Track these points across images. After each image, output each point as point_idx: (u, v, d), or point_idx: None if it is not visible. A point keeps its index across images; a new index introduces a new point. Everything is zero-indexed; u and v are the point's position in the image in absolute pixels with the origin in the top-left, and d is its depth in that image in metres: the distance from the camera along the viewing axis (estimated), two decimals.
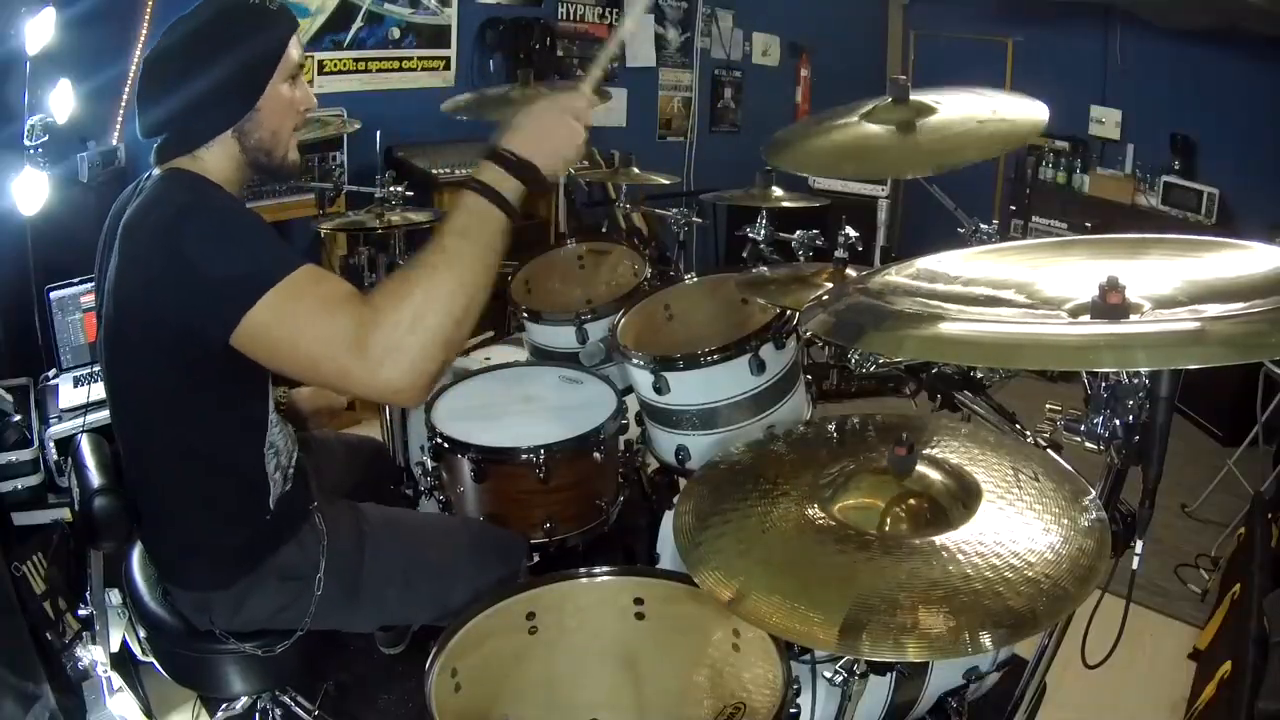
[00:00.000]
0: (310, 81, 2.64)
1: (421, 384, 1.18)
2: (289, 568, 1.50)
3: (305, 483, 1.59)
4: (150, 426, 1.41)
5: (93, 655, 1.85)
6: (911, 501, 1.22)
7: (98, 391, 2.34)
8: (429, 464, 2.10)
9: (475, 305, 1.21)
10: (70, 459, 1.64)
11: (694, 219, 2.85)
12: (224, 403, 1.37)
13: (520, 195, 1.25)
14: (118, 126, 3.09)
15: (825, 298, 1.15)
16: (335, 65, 3.81)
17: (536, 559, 1.91)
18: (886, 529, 1.19)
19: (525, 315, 2.40)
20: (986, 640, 0.95)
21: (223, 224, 1.27)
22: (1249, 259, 0.99)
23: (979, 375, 1.78)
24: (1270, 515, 2.67)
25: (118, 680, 1.92)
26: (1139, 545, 1.12)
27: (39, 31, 2.39)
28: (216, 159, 1.38)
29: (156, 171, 1.38)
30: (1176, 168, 4.51)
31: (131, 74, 3.05)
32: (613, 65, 4.86)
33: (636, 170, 3.14)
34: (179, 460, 1.41)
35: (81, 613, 1.92)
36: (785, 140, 1.76)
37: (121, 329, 1.33)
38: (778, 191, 2.56)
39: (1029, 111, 1.56)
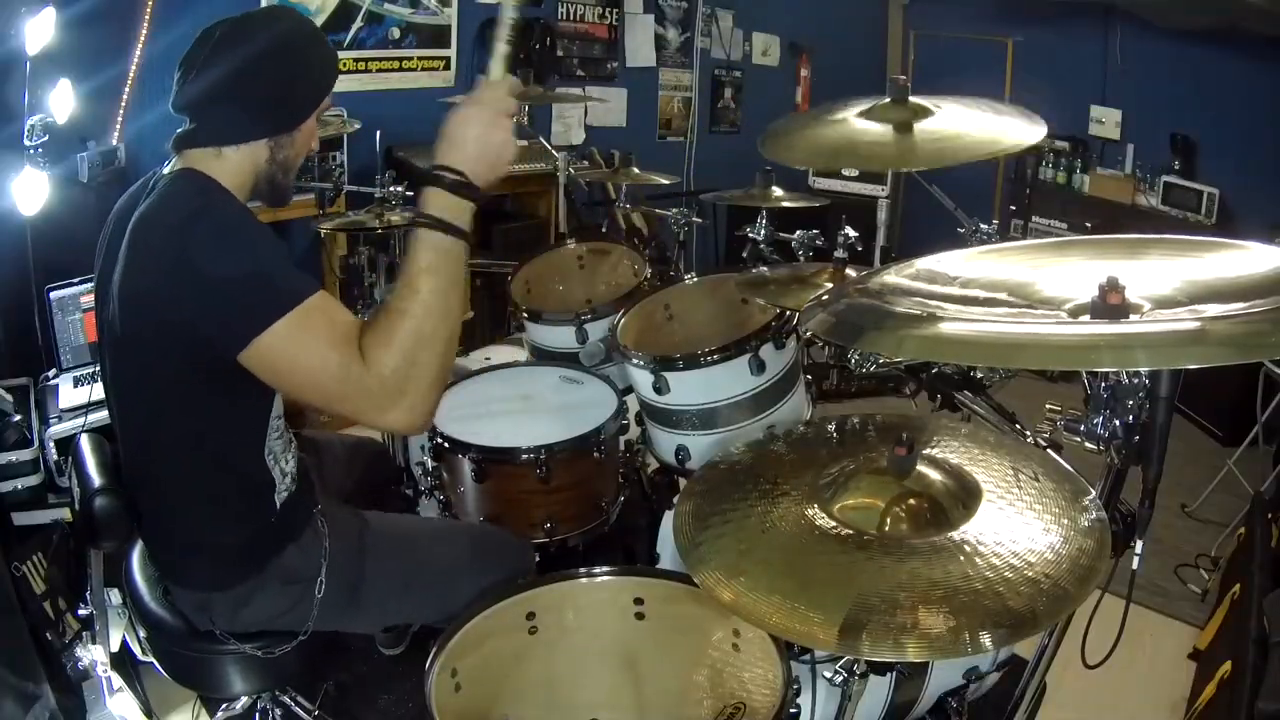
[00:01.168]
0: None
1: (425, 417, 1.26)
2: (291, 571, 1.50)
3: (309, 486, 1.59)
4: (154, 424, 1.40)
5: (93, 655, 1.85)
6: (911, 501, 1.22)
7: (98, 391, 2.33)
8: (429, 464, 2.10)
9: (456, 332, 1.27)
10: (70, 459, 1.64)
11: (694, 219, 2.85)
12: (229, 402, 1.37)
13: (471, 213, 1.27)
14: (118, 126, 3.09)
15: (825, 298, 1.15)
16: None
17: (537, 559, 1.91)
18: (886, 529, 1.19)
19: (525, 315, 2.40)
20: (986, 640, 0.95)
21: (236, 234, 1.26)
22: (1249, 259, 0.98)
23: (979, 375, 1.78)
24: (1270, 515, 2.67)
25: (118, 680, 1.92)
26: (1139, 545, 1.12)
27: (39, 31, 2.39)
28: (239, 162, 1.37)
29: (167, 170, 1.37)
30: (1176, 168, 4.51)
31: (131, 74, 3.05)
32: (612, 66, 4.86)
33: (636, 170, 3.14)
34: (183, 458, 1.41)
35: (81, 613, 1.92)
36: (781, 131, 1.77)
37: (126, 328, 1.32)
38: (778, 191, 2.56)
39: (1025, 130, 1.56)
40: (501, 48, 1.32)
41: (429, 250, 1.24)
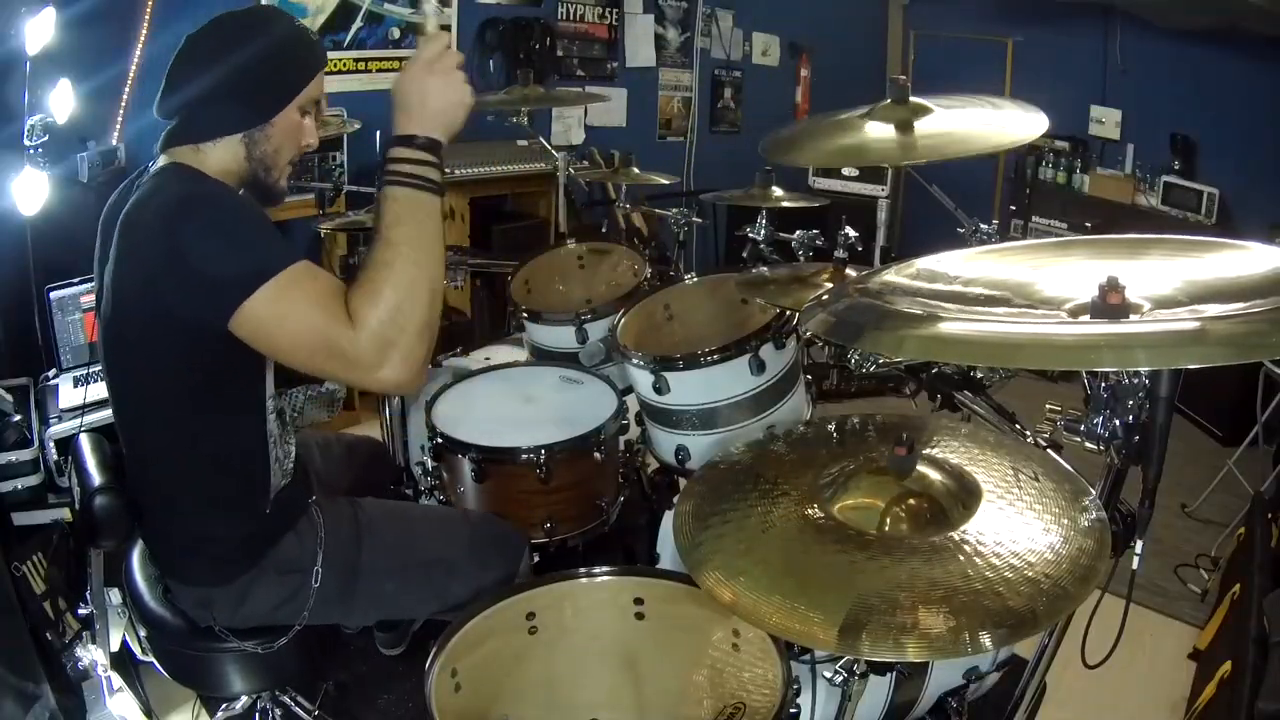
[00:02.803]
0: None
1: (417, 370, 1.24)
2: (287, 561, 1.51)
3: (305, 477, 1.60)
4: (150, 419, 1.41)
5: (93, 655, 1.85)
6: (911, 501, 1.22)
7: (98, 391, 2.33)
8: (429, 464, 2.10)
9: (439, 284, 1.27)
10: (70, 458, 1.64)
11: (694, 219, 2.85)
12: (223, 394, 1.38)
13: (439, 168, 1.30)
14: (118, 126, 3.09)
15: (825, 298, 1.15)
16: (335, 65, 3.81)
17: (536, 559, 1.91)
18: (886, 529, 1.19)
19: (525, 315, 2.40)
20: (986, 640, 0.95)
21: (221, 213, 1.28)
22: (1249, 259, 0.98)
23: (979, 375, 1.78)
24: (1270, 515, 2.67)
25: (118, 680, 1.92)
26: (1139, 545, 1.12)
27: (39, 31, 2.39)
28: (219, 158, 1.40)
29: (155, 165, 1.39)
30: (1176, 168, 4.51)
31: (131, 74, 3.05)
32: (612, 66, 4.86)
33: (636, 170, 3.14)
34: (179, 454, 1.42)
35: (81, 613, 1.92)
36: (784, 140, 1.77)
37: (121, 322, 1.34)
38: (778, 191, 2.56)
39: (1027, 122, 1.56)
40: (429, 7, 1.37)
41: (395, 204, 1.26)
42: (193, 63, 1.37)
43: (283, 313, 1.21)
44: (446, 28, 1.40)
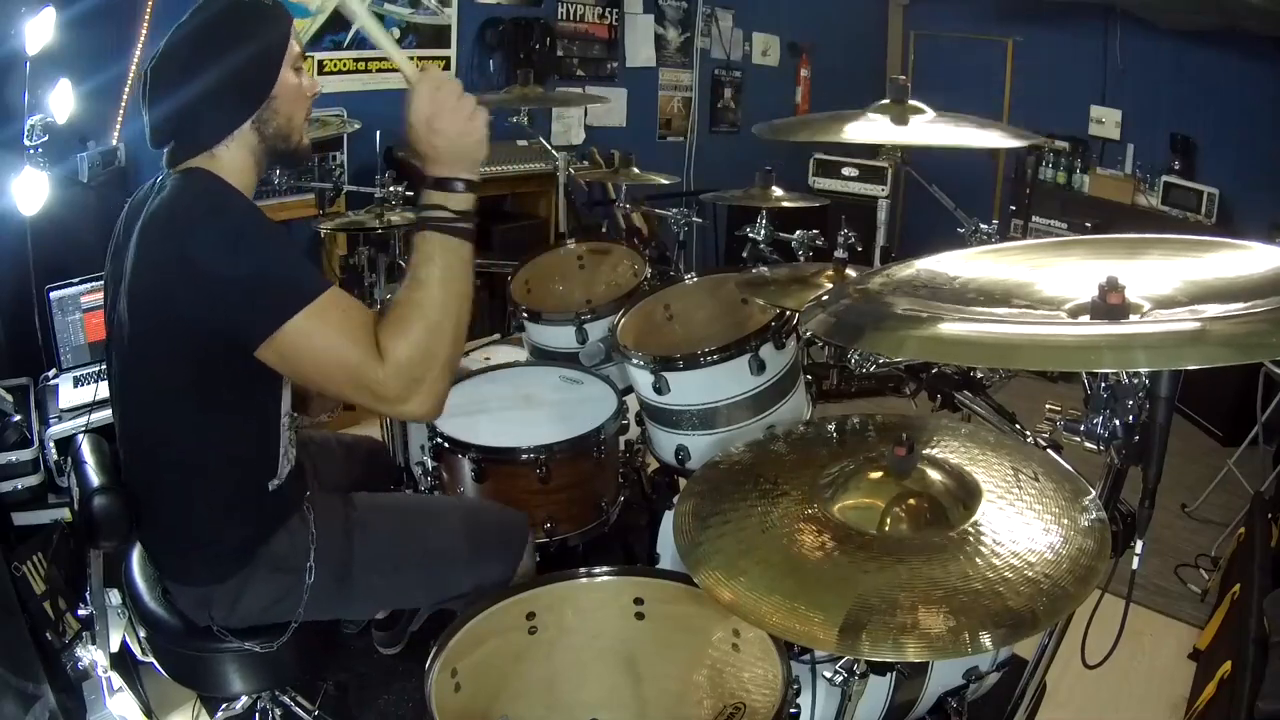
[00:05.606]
0: None
1: (440, 402, 1.30)
2: (280, 557, 1.50)
3: (301, 475, 1.59)
4: (163, 422, 1.40)
5: (93, 655, 1.85)
6: (911, 501, 1.22)
7: (98, 392, 2.34)
8: (429, 464, 2.10)
9: (464, 321, 1.31)
10: (70, 459, 1.64)
11: (694, 219, 2.85)
12: (242, 399, 1.38)
13: (471, 203, 1.34)
14: (118, 126, 3.09)
15: (825, 298, 1.15)
16: (335, 65, 3.81)
17: (537, 559, 1.91)
18: (886, 529, 1.19)
19: (525, 315, 2.40)
20: (986, 640, 0.95)
21: (244, 232, 1.27)
22: (1249, 259, 0.99)
23: (979, 375, 1.78)
24: (1270, 515, 2.67)
25: (118, 680, 1.92)
26: (1139, 545, 1.12)
27: (39, 31, 2.38)
28: (234, 154, 1.38)
29: (174, 171, 1.38)
30: (1176, 168, 4.51)
31: (131, 74, 3.05)
32: (612, 66, 4.85)
33: (636, 170, 3.14)
34: (189, 455, 1.41)
35: (81, 613, 1.92)
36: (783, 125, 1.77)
37: (134, 326, 1.33)
38: (778, 191, 2.56)
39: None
40: (397, 58, 1.37)
41: (427, 243, 1.30)
42: (169, 84, 1.35)
43: (313, 342, 1.22)
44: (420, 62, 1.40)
